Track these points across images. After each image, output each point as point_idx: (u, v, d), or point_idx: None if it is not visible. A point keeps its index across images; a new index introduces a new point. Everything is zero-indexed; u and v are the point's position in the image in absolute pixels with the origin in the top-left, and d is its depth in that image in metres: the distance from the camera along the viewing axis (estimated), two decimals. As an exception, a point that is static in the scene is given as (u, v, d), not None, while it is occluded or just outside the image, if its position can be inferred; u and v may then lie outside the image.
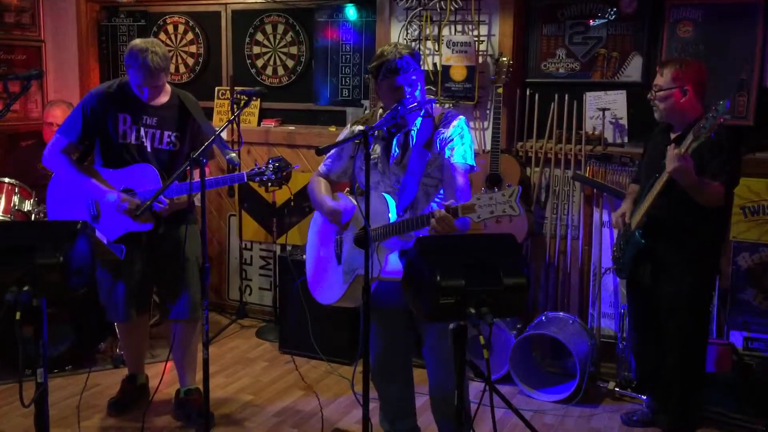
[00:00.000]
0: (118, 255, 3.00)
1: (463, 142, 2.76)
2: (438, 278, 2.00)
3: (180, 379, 3.59)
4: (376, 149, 2.84)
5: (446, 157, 2.74)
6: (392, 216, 2.70)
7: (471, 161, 2.76)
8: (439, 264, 2.03)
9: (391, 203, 2.74)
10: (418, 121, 2.79)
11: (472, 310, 2.00)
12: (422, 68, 2.83)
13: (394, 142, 2.81)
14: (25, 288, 2.10)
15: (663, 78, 3.14)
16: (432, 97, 4.04)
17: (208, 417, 2.92)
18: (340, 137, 2.87)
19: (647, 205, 3.17)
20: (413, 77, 2.72)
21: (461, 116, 2.83)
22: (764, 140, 3.76)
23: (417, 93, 2.73)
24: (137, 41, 3.20)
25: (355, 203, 2.84)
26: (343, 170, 2.99)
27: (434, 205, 2.79)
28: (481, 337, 1.99)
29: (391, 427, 3.12)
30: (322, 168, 3.02)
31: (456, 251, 2.10)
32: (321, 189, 2.96)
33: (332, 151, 2.96)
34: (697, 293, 3.22)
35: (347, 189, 3.42)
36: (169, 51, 5.18)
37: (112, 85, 3.34)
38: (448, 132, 2.76)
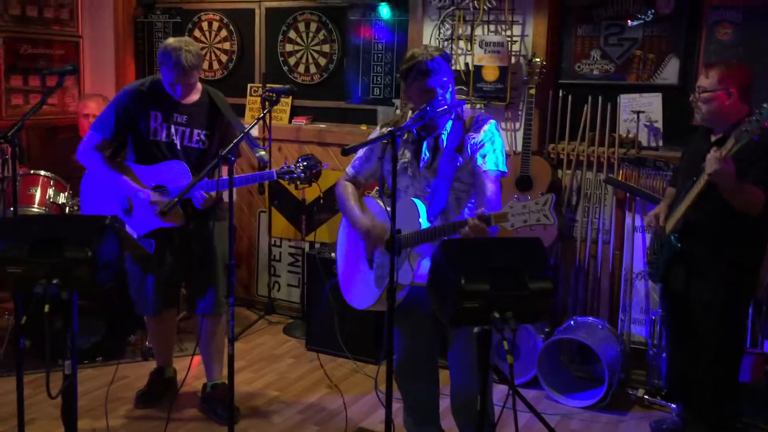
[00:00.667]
0: (147, 249, 3.04)
1: (495, 147, 2.74)
2: (462, 282, 1.98)
3: (207, 373, 3.63)
4: (406, 154, 2.82)
5: (478, 164, 2.72)
6: (423, 222, 2.68)
7: (503, 167, 2.74)
8: (464, 268, 2.01)
9: (422, 208, 2.71)
10: (449, 124, 2.76)
11: (497, 315, 1.99)
12: (452, 70, 2.79)
13: (425, 145, 2.79)
14: (54, 281, 2.14)
15: (708, 80, 3.05)
16: (462, 98, 4.01)
17: (233, 411, 2.93)
18: (367, 144, 2.85)
19: (684, 208, 3.09)
20: (444, 79, 2.69)
21: (492, 120, 2.80)
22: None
23: (448, 95, 2.71)
24: (171, 40, 3.23)
25: (384, 207, 2.84)
26: (371, 172, 2.98)
27: (466, 211, 2.78)
28: (505, 342, 1.97)
29: (415, 429, 3.11)
30: (349, 170, 3.00)
31: (481, 255, 2.09)
32: (350, 199, 2.94)
33: (361, 153, 2.95)
34: (732, 299, 3.14)
35: (375, 189, 3.41)
36: (203, 48, 5.26)
37: (145, 83, 3.38)
38: (479, 137, 2.74)
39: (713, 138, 3.12)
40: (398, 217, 2.53)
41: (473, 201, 2.77)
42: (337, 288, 3.55)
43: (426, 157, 2.79)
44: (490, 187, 2.69)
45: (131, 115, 3.32)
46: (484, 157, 2.71)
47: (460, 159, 2.73)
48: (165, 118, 3.32)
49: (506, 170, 2.76)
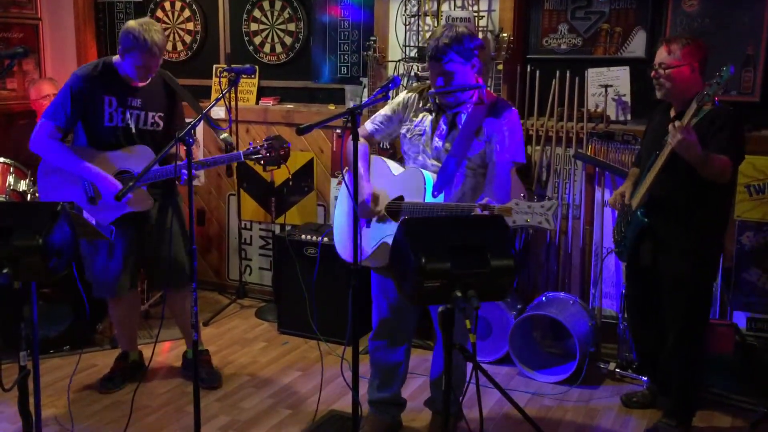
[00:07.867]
0: (107, 236, 2.97)
1: (512, 136, 2.75)
2: (423, 261, 1.95)
3: (186, 342, 3.69)
4: (425, 121, 2.84)
5: (492, 150, 2.74)
6: (428, 195, 2.71)
7: (518, 157, 2.76)
8: (425, 246, 1.98)
9: (429, 181, 2.74)
10: (469, 105, 2.78)
11: (459, 294, 1.96)
12: (471, 53, 2.73)
13: (442, 119, 2.81)
14: (5, 270, 2.08)
15: (671, 55, 3.02)
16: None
17: (199, 391, 2.86)
18: (392, 104, 2.94)
19: (649, 182, 3.08)
20: (459, 63, 2.68)
21: (513, 108, 2.81)
22: (771, 117, 3.67)
23: (467, 78, 2.71)
24: (134, 23, 3.14)
25: (390, 170, 2.90)
26: (389, 134, 3.00)
27: (475, 194, 2.79)
28: (467, 322, 1.94)
29: (378, 394, 3.15)
30: (368, 126, 3.01)
31: (442, 233, 2.05)
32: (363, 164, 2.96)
33: (384, 111, 2.98)
34: (699, 273, 3.14)
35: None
36: (166, 29, 5.15)
37: (97, 66, 3.28)
38: (497, 124, 2.74)
39: (673, 113, 3.10)
40: (403, 185, 2.76)
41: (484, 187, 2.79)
42: (308, 270, 3.56)
43: (442, 132, 2.80)
44: (499, 177, 2.70)
45: (86, 100, 3.22)
46: (499, 144, 2.73)
47: (476, 142, 2.75)
48: (120, 102, 3.25)
49: (522, 160, 2.77)
